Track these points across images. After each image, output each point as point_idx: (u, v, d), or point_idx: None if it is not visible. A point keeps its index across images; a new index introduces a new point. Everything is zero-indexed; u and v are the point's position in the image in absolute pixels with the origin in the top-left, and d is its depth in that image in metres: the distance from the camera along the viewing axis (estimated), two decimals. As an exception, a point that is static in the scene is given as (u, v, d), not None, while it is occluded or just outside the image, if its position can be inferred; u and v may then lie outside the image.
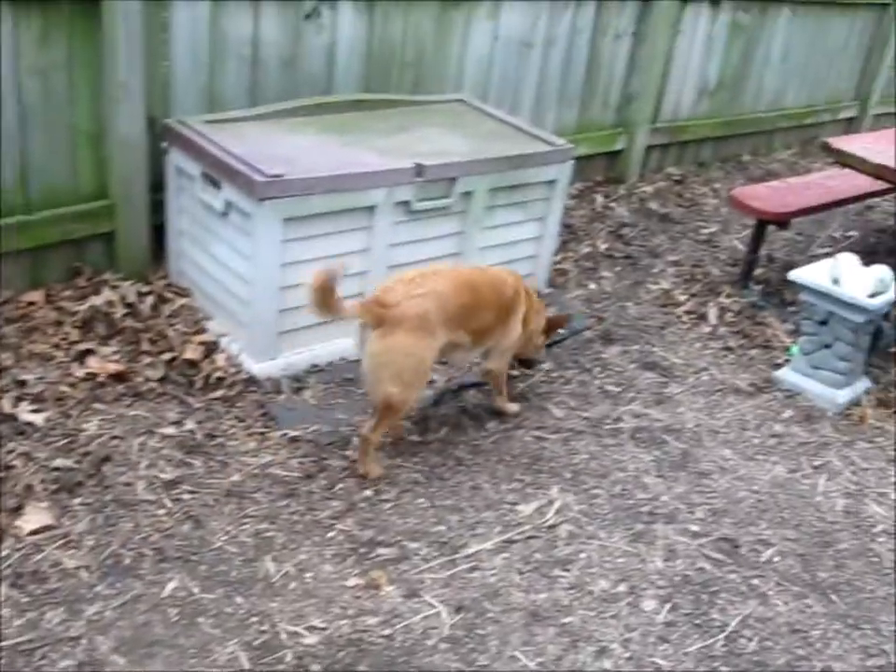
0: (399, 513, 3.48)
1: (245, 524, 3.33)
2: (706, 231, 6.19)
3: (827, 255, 6.08)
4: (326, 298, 3.17)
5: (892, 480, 4.12)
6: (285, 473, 3.57)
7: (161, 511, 3.31)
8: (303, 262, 3.84)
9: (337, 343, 4.14)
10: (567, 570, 3.34)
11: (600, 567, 3.38)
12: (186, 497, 3.39)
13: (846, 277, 4.38)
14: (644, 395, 4.42)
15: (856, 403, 4.57)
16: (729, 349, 4.93)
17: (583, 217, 5.97)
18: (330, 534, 3.36)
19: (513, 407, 4.10)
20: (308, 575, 3.18)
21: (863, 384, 4.66)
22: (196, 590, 3.04)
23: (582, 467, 3.88)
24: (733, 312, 5.22)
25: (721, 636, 3.18)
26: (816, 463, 4.15)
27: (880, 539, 3.76)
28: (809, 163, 7.78)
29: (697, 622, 3.23)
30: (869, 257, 6.18)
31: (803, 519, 3.79)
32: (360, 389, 4.03)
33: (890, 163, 4.53)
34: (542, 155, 4.57)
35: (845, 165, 4.69)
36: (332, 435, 3.79)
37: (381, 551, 3.32)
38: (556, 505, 3.63)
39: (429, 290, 3.37)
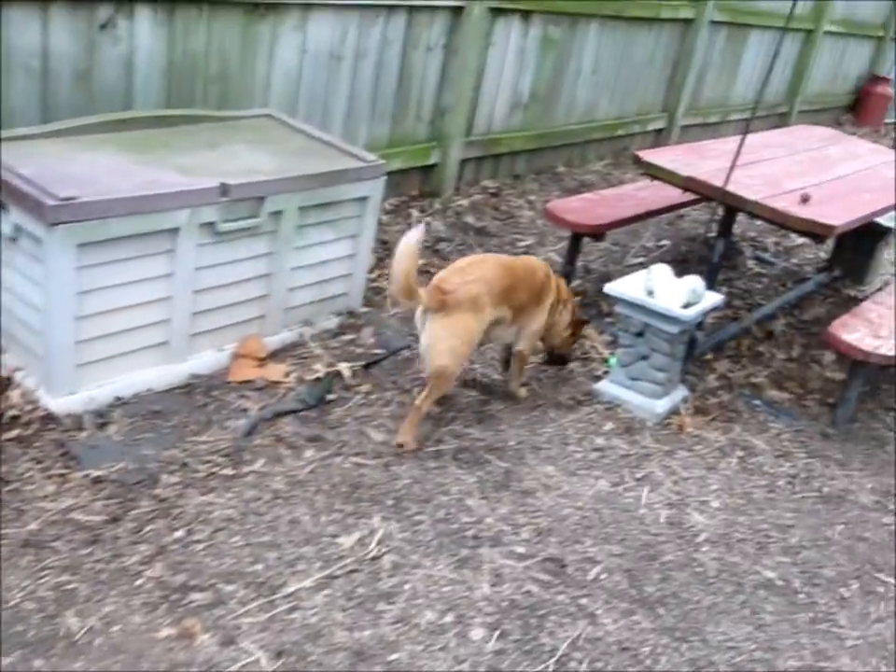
0: (213, 554, 3.25)
1: (43, 577, 3.04)
2: (522, 243, 6.18)
3: (642, 265, 6.18)
4: (410, 284, 3.68)
5: (713, 488, 4.16)
6: (87, 518, 3.29)
7: (-59, 572, 2.99)
8: (101, 290, 3.59)
9: (142, 374, 3.88)
10: (392, 603, 3.20)
11: (426, 598, 3.24)
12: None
13: (659, 289, 4.40)
14: (465, 413, 4.33)
15: (674, 412, 4.60)
16: (546, 363, 4.89)
17: (400, 233, 5.80)
18: (139, 581, 3.10)
19: (523, 392, 4.55)
20: (115, 629, 2.92)
21: (681, 392, 4.71)
22: (-17, 658, 2.74)
23: (405, 492, 3.74)
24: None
25: (552, 661, 3.10)
26: (638, 475, 4.14)
27: (703, 549, 3.77)
28: (622, 174, 7.92)
29: (527, 647, 3.14)
30: (681, 265, 6.32)
31: (627, 533, 3.76)
32: (170, 422, 3.80)
33: (699, 175, 4.59)
34: (354, 171, 4.42)
35: (655, 178, 4.73)
36: (139, 473, 3.53)
37: (194, 596, 3.08)
38: (378, 535, 3.48)
39: (479, 276, 3.91)
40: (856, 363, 4.48)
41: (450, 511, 3.68)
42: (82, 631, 2.89)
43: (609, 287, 4.49)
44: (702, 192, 4.69)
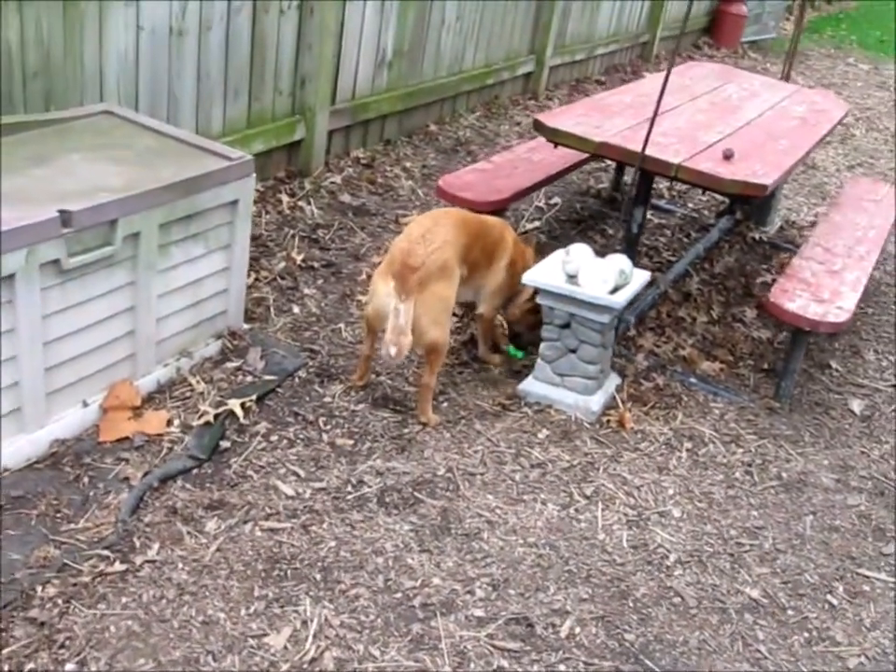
0: (113, 684, 2.61)
1: None
2: (406, 220, 5.56)
3: (538, 229, 5.67)
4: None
5: (669, 493, 3.72)
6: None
7: None
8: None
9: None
10: (345, 720, 2.62)
11: (383, 703, 2.68)
12: None
13: (583, 273, 3.89)
14: (383, 442, 3.75)
15: (610, 406, 4.13)
16: (463, 364, 4.34)
17: (271, 223, 5.17)
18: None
19: (496, 358, 4.34)
20: None
21: (613, 381, 4.24)
22: None
23: (332, 560, 3.16)
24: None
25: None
26: (587, 491, 3.66)
27: (676, 573, 3.34)
28: (496, 126, 7.35)
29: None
30: (579, 225, 5.85)
31: (591, 568, 3.29)
32: (36, 508, 3.11)
33: (612, 140, 4.07)
34: (219, 173, 3.72)
35: (561, 145, 4.18)
36: (7, 590, 2.83)
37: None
38: (313, 625, 2.90)
39: (442, 240, 3.74)
40: (799, 332, 4.07)
41: (389, 577, 3.12)
42: None
43: (527, 278, 3.94)
44: (618, 158, 4.18)
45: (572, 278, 3.94)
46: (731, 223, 5.95)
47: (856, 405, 4.50)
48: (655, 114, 3.84)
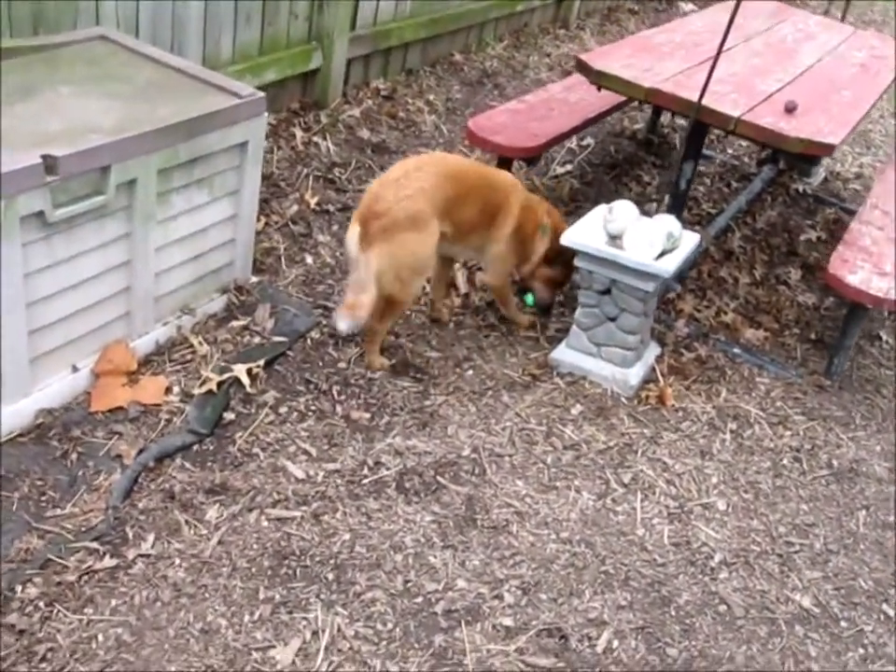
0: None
1: None
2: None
3: (569, 173, 5.27)
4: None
5: (713, 482, 3.41)
6: None
7: None
8: None
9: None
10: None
11: (402, 731, 2.39)
12: None
13: (627, 235, 3.52)
14: (402, 416, 3.42)
15: (649, 380, 3.78)
16: (490, 326, 3.99)
17: (283, 161, 4.76)
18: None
19: (525, 319, 3.99)
20: None
21: (652, 351, 3.90)
22: None
23: (346, 556, 2.85)
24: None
25: None
26: (625, 478, 3.34)
27: (721, 577, 3.04)
28: (525, 57, 6.87)
29: None
30: (613, 169, 5.45)
31: (630, 569, 2.98)
32: (18, 490, 2.79)
33: (664, 87, 3.66)
34: (227, 112, 3.33)
35: (605, 88, 3.77)
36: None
37: None
38: (325, 636, 2.60)
39: (417, 188, 3.36)
40: (858, 306, 3.71)
41: (409, 578, 2.81)
42: None
43: (567, 238, 3.57)
44: (670, 107, 3.77)
45: (614, 239, 3.57)
46: (773, 173, 5.55)
47: (908, 383, 4.16)
48: (716, 61, 3.43)
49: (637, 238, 3.50)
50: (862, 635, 2.96)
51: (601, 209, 3.71)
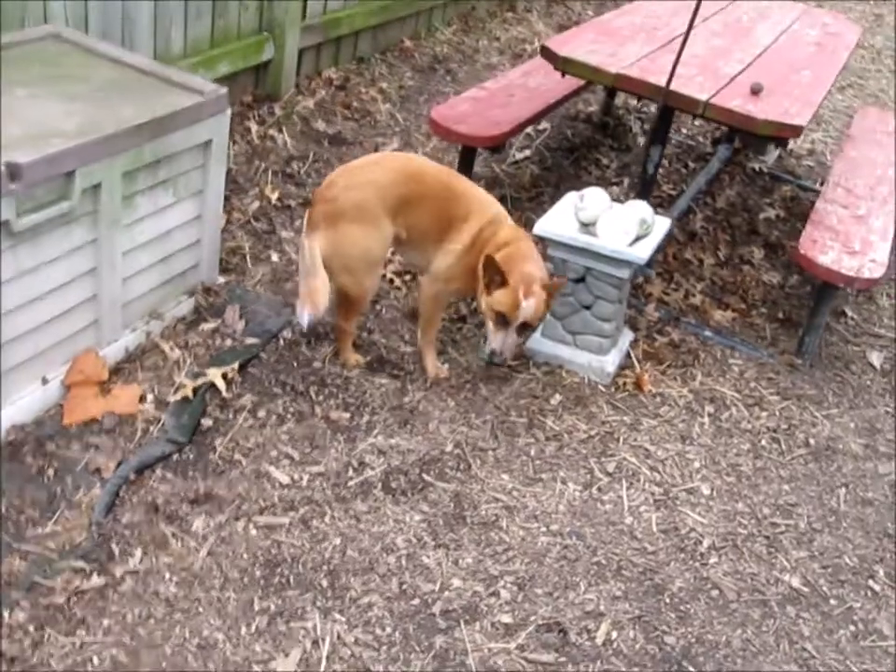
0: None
1: None
2: (388, 147, 5.09)
3: (528, 159, 5.23)
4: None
5: (695, 466, 3.42)
6: None
7: None
8: None
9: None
10: (369, 760, 2.29)
11: (410, 738, 2.36)
12: None
13: (601, 223, 3.50)
14: (382, 414, 3.37)
15: (624, 366, 3.78)
16: (461, 318, 3.95)
17: (240, 156, 4.67)
18: None
19: (432, 369, 3.59)
20: None
21: (626, 337, 3.89)
22: None
23: (338, 561, 2.81)
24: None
25: None
26: (609, 466, 3.34)
27: (712, 561, 3.05)
28: (475, 41, 6.81)
29: None
30: (572, 153, 5.42)
31: (621, 558, 2.98)
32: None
33: (632, 72, 3.64)
34: (190, 111, 3.25)
35: (570, 74, 3.73)
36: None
37: None
38: (326, 644, 2.55)
39: (368, 180, 3.31)
40: (828, 286, 3.74)
41: (403, 580, 2.78)
42: None
43: (540, 228, 3.55)
44: (638, 92, 3.75)
45: (587, 227, 3.54)
46: (729, 152, 5.57)
47: (875, 358, 4.21)
48: (683, 45, 3.41)
49: (611, 225, 3.49)
50: (852, 612, 2.99)
51: (572, 197, 3.68)
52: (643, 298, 4.20)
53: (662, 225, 3.62)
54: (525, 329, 3.35)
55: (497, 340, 3.30)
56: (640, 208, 3.56)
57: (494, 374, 3.64)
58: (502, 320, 3.26)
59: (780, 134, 3.49)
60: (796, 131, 3.51)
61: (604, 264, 3.49)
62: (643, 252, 3.46)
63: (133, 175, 3.11)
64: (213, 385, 3.26)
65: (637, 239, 3.51)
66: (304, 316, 3.24)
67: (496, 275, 3.21)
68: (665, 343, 3.95)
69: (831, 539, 3.23)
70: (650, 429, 3.52)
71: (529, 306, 3.23)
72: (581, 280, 3.58)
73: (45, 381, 3.08)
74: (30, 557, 2.61)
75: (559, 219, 3.57)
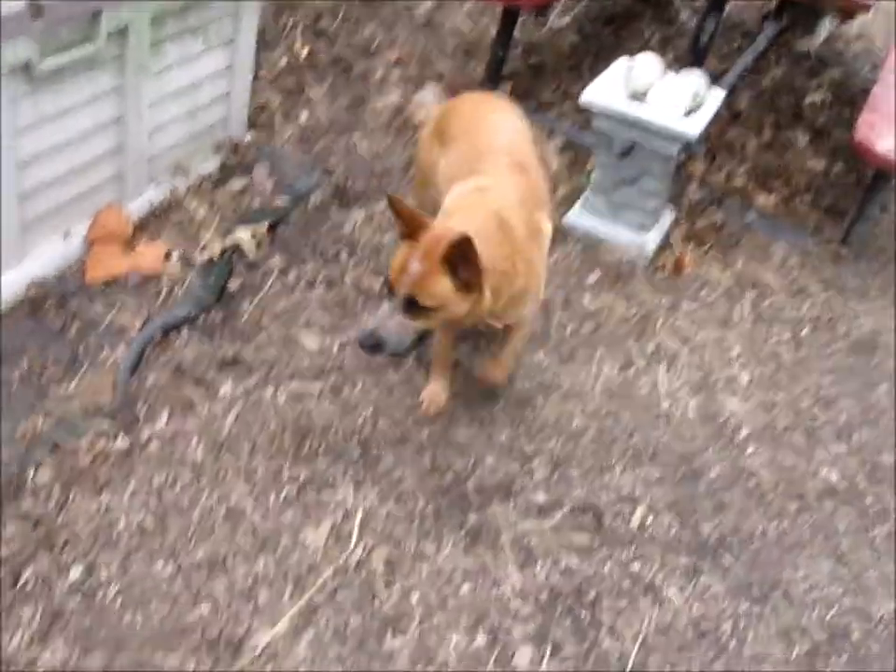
0: (131, 604, 2.23)
1: None
2: (421, 8, 4.84)
3: (566, 27, 4.98)
4: None
5: (735, 353, 3.30)
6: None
7: None
8: None
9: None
10: (402, 633, 2.27)
11: (443, 613, 2.32)
12: None
13: (653, 92, 3.31)
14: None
15: (665, 246, 3.63)
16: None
17: (266, 9, 4.40)
18: None
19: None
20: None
21: (668, 217, 3.72)
22: None
23: (370, 432, 2.74)
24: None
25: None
26: (647, 348, 3.23)
27: (749, 451, 2.97)
28: None
29: (590, 660, 2.29)
30: (612, 23, 5.16)
31: (658, 443, 2.90)
32: (17, 367, 2.61)
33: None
34: (223, -48, 3.03)
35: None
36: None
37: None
38: (358, 516, 2.48)
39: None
40: (881, 174, 3.56)
41: (437, 455, 2.71)
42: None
43: (588, 98, 3.37)
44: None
45: (637, 97, 3.35)
46: (776, 30, 5.29)
47: (920, 253, 4.05)
48: None
49: (663, 96, 3.30)
50: (887, 513, 2.90)
51: (622, 63, 3.48)
52: (685, 177, 4.02)
53: (715, 98, 3.43)
54: (420, 310, 2.26)
55: (378, 314, 2.31)
56: (695, 79, 3.37)
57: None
58: (388, 288, 2.31)
59: (851, 8, 3.27)
60: (866, 7, 3.28)
61: (653, 137, 3.32)
62: (695, 127, 3.28)
63: (161, 19, 2.94)
64: (240, 246, 3.12)
65: (690, 112, 3.33)
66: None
67: (401, 222, 2.31)
68: (706, 225, 3.80)
69: (870, 435, 3.13)
70: (689, 312, 3.40)
71: (415, 273, 2.22)
72: (627, 153, 3.41)
73: (67, 235, 2.95)
74: (54, 417, 2.52)
75: (607, 88, 3.38)
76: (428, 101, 2.66)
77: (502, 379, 2.86)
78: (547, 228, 2.64)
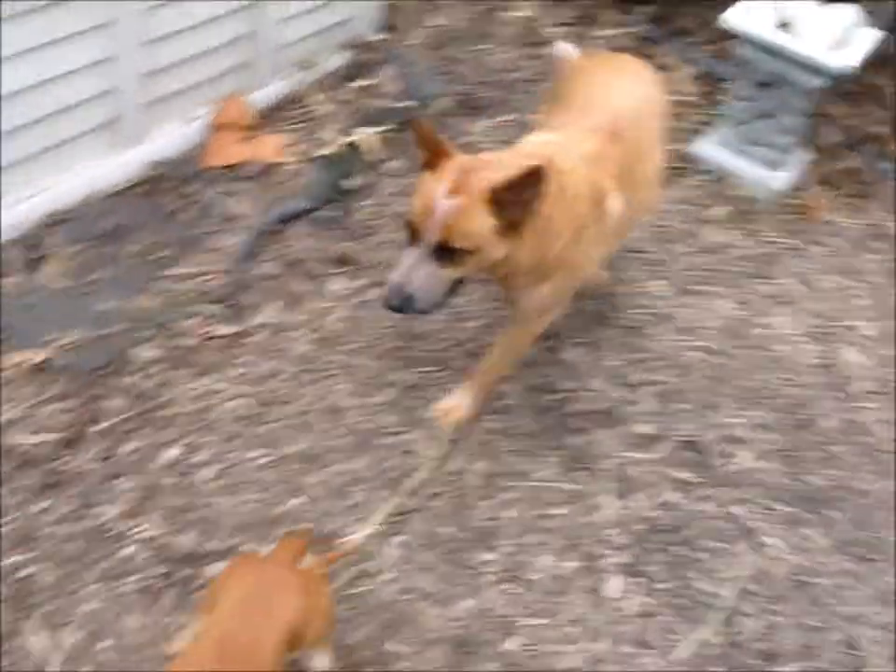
0: (229, 489, 2.27)
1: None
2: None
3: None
4: None
5: (860, 304, 3.15)
6: (32, 440, 2.19)
7: None
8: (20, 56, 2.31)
9: (85, 172, 2.63)
10: (493, 548, 2.23)
11: (536, 529, 2.27)
12: None
13: (802, 23, 3.13)
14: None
15: (796, 187, 3.47)
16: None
17: None
18: (124, 552, 2.10)
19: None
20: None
21: (802, 156, 3.55)
22: None
23: (474, 346, 2.68)
24: (621, 50, 3.86)
25: (717, 619, 2.20)
26: (767, 289, 3.10)
27: (865, 406, 2.82)
28: None
29: (679, 602, 2.23)
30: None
31: (770, 386, 2.79)
32: (132, 244, 2.61)
33: None
34: None
35: None
36: (100, 349, 2.38)
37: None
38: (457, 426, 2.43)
39: None
40: None
41: (543, 374, 2.64)
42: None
43: (728, 20, 3.19)
44: None
45: (785, 26, 3.17)
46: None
47: None
48: None
49: (813, 27, 3.12)
50: None
51: (771, -10, 3.29)
52: (822, 118, 3.82)
53: (868, 38, 3.23)
54: (452, 256, 1.95)
55: (400, 265, 1.98)
56: (849, 13, 3.17)
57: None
58: (410, 232, 1.99)
59: None
60: None
61: (798, 70, 3.14)
62: (844, 62, 3.10)
63: None
64: (360, 146, 3.07)
65: (837, 48, 3.14)
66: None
67: (425, 149, 1.99)
68: (841, 170, 3.62)
69: None
70: (815, 257, 3.25)
71: (449, 210, 1.89)
72: (768, 84, 3.24)
73: (190, 119, 2.93)
74: (164, 296, 2.52)
75: (753, 12, 3.20)
76: (568, 53, 2.48)
77: (454, 421, 2.43)
78: (613, 206, 2.20)
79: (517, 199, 1.90)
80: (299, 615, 1.63)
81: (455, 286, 2.01)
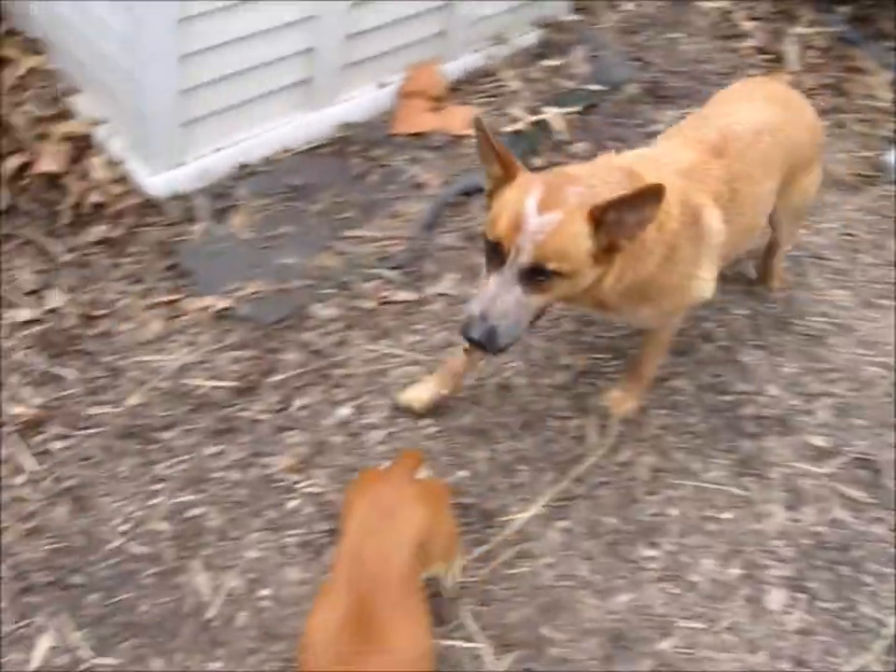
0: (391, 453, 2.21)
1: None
2: None
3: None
4: None
5: None
6: (210, 384, 2.26)
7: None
8: (213, 13, 2.33)
9: (275, 128, 2.67)
10: (656, 545, 2.20)
11: (700, 531, 2.22)
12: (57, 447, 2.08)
13: None
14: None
15: None
16: (821, 112, 3.50)
17: None
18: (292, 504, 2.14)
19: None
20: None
21: None
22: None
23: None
24: (817, 50, 3.73)
25: (878, 645, 2.10)
26: (959, 308, 2.92)
27: None
28: None
29: (842, 623, 2.13)
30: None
31: (958, 412, 2.63)
32: (317, 203, 2.65)
33: None
34: None
35: None
36: (279, 303, 2.42)
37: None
38: (626, 417, 2.38)
39: None
40: None
41: (718, 372, 2.57)
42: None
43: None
44: None
45: None
46: None
47: None
48: None
49: None
50: None
51: None
52: None
53: None
54: (542, 281, 1.73)
55: (481, 292, 1.77)
56: None
57: (841, 180, 3.24)
58: (494, 253, 1.76)
59: None
60: None
61: None
62: None
63: None
64: (548, 124, 3.04)
65: None
66: None
67: (492, 160, 1.80)
68: None
69: None
70: None
71: (545, 227, 1.69)
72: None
73: (381, 84, 2.94)
74: (344, 257, 2.55)
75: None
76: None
77: (625, 411, 2.38)
78: (712, 223, 2.01)
79: (621, 219, 1.71)
80: (424, 525, 1.61)
81: (537, 317, 1.81)
